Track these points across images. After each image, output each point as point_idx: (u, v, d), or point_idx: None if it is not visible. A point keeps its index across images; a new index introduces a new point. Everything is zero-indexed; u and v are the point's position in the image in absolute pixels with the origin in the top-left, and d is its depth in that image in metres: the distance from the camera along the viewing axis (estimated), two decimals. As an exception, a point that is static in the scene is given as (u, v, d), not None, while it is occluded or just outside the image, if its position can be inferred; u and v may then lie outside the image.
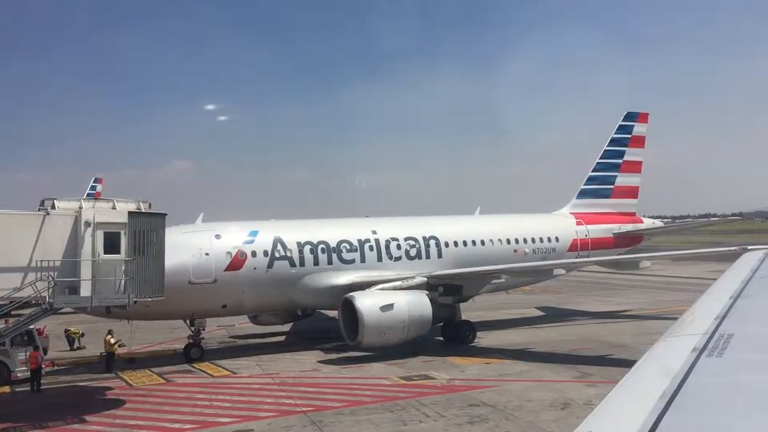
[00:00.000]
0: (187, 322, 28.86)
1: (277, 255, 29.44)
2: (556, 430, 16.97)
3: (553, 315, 39.44)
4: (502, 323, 36.03)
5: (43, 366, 25.06)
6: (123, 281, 20.77)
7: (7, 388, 24.16)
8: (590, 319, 37.47)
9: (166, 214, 23.08)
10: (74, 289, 20.50)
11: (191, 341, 28.83)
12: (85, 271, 20.45)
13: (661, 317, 35.01)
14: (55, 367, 27.53)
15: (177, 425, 18.99)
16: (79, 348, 32.45)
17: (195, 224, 30.66)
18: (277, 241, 29.70)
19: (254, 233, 29.57)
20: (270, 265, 29.17)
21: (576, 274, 50.53)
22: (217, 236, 28.60)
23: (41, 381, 23.88)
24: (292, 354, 29.03)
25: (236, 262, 28.37)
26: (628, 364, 5.22)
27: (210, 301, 27.91)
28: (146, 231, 21.71)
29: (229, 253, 28.32)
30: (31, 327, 24.36)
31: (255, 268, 28.76)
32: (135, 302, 21.12)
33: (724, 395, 4.18)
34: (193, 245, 27.75)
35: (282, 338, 33.75)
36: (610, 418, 4.01)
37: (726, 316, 6.28)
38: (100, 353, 28.99)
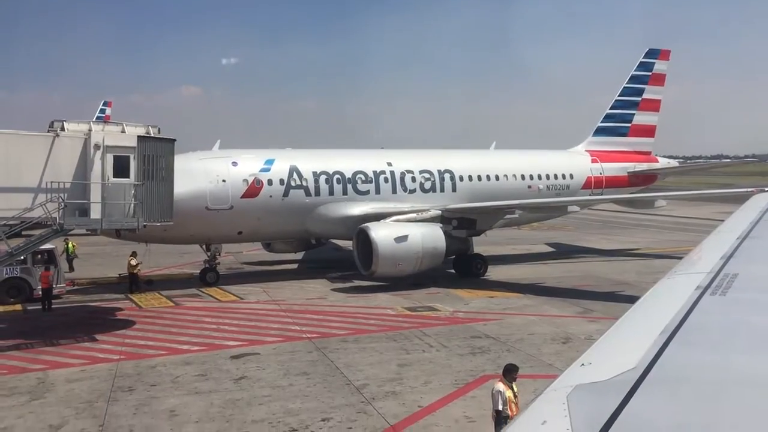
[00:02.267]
0: (204, 246, 29.23)
1: (292, 184, 29.46)
2: (556, 362, 17.20)
3: (561, 251, 39.58)
4: (510, 258, 36.20)
5: (64, 285, 25.84)
6: (132, 205, 20.85)
7: (18, 306, 24.70)
8: (597, 256, 37.58)
9: (175, 140, 22.97)
10: (84, 212, 20.61)
11: (207, 266, 29.28)
12: (95, 194, 20.48)
13: (667, 256, 35.05)
14: (76, 287, 28.18)
15: (185, 347, 19.38)
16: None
17: (212, 151, 30.68)
18: (293, 170, 29.67)
19: (270, 162, 29.52)
20: (285, 194, 29.23)
21: (587, 211, 50.39)
22: (234, 163, 28.59)
23: (53, 300, 24.42)
24: (299, 282, 29.38)
25: (252, 189, 28.45)
26: (631, 300, 5.19)
27: (226, 228, 28.16)
28: (155, 156, 21.62)
29: (245, 180, 28.39)
30: (51, 247, 24.79)
31: (271, 196, 28.85)
32: (144, 226, 21.27)
33: (725, 333, 4.16)
34: (211, 172, 27.82)
35: (289, 266, 34.13)
36: (610, 351, 4.00)
37: (732, 256, 6.23)
38: (119, 274, 29.51)
